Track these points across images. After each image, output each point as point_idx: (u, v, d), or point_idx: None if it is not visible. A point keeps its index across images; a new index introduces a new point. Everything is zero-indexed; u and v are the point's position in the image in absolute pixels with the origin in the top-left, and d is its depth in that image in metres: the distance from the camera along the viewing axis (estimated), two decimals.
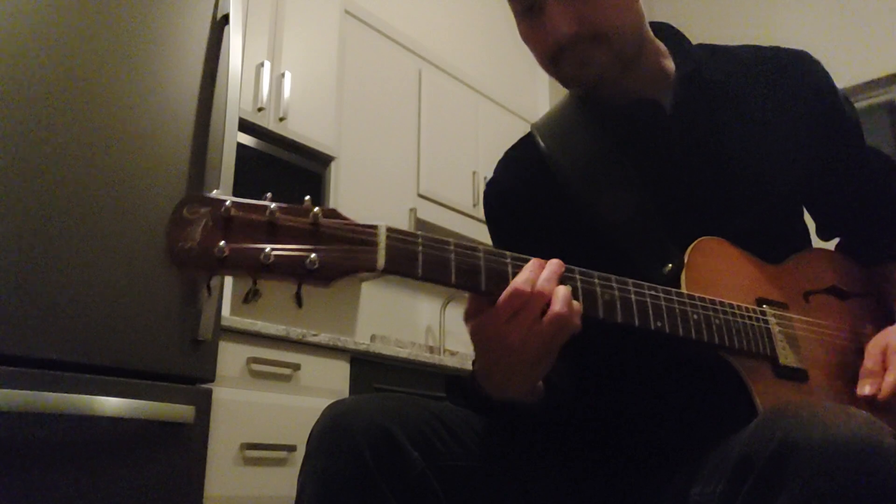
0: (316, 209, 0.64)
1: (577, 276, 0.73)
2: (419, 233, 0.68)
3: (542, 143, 0.99)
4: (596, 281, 0.74)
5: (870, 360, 0.82)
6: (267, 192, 0.65)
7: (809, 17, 3.88)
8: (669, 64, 0.94)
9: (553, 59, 0.88)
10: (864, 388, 0.80)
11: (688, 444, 0.78)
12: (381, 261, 0.65)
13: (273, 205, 0.63)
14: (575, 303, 0.71)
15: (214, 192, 0.63)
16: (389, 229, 0.66)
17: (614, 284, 0.75)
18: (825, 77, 0.98)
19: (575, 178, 0.94)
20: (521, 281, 0.69)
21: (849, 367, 0.84)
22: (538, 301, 0.69)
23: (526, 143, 1.03)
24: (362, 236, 0.65)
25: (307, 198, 0.66)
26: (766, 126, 0.93)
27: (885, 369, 0.80)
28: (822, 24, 3.81)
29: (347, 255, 0.64)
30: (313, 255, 0.62)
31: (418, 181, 3.15)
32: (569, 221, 0.94)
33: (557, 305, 0.69)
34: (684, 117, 0.92)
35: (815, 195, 1.01)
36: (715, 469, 0.69)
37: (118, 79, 1.68)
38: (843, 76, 3.71)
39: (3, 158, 1.47)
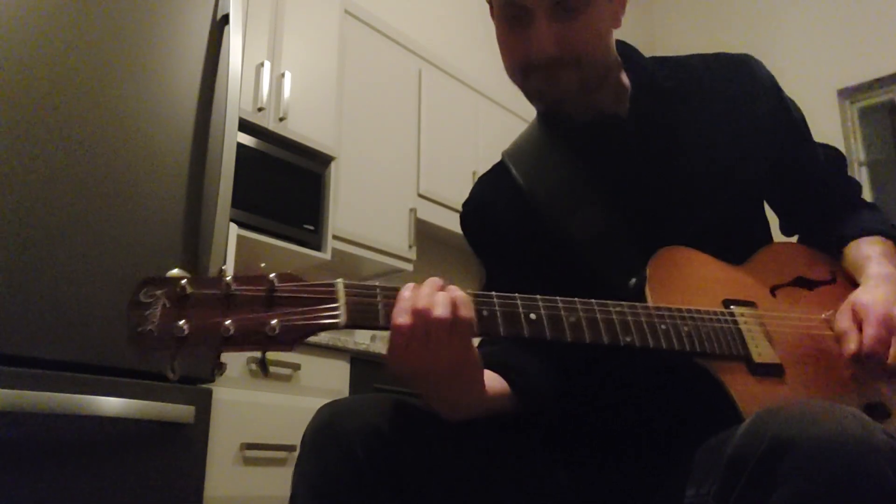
0: (272, 275, 0.65)
1: (540, 304, 0.75)
2: (376, 284, 0.70)
3: (512, 169, 1.01)
4: (560, 305, 0.76)
5: (843, 321, 0.84)
6: (224, 265, 0.66)
7: (810, 18, 3.88)
8: (625, 78, 0.97)
9: (524, 71, 0.91)
10: (849, 346, 0.81)
11: (679, 446, 0.79)
12: (343, 317, 0.66)
13: (228, 277, 0.64)
14: (462, 296, 0.70)
15: (175, 270, 0.64)
16: (347, 285, 0.68)
17: (578, 306, 0.76)
18: (769, 77, 1.02)
19: (545, 201, 0.96)
20: (397, 311, 0.68)
21: (824, 354, 0.85)
22: (421, 321, 0.68)
23: (498, 169, 1.05)
24: (321, 295, 0.66)
25: (262, 265, 0.68)
26: (720, 128, 0.96)
27: (859, 325, 0.82)
28: (822, 25, 3.81)
29: (308, 315, 0.65)
30: (273, 322, 0.63)
31: (418, 181, 3.15)
32: (542, 242, 0.96)
33: (438, 310, 0.68)
34: (642, 127, 0.94)
35: (772, 191, 1.04)
36: (708, 470, 0.69)
37: (118, 79, 1.69)
38: (843, 76, 3.72)
39: (3, 158, 1.47)
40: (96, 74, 1.65)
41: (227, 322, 0.62)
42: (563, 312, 0.75)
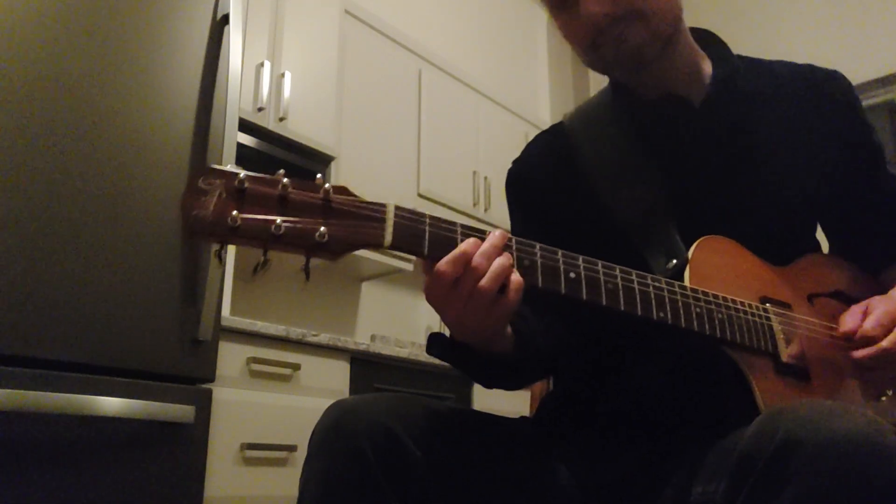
0: (327, 185, 0.66)
1: (580, 263, 0.75)
2: (426, 213, 0.70)
3: (569, 132, 1.00)
4: (600, 269, 0.75)
5: (852, 311, 0.86)
6: (280, 170, 0.67)
7: (810, 18, 3.87)
8: (706, 66, 0.96)
9: (592, 45, 0.88)
10: (846, 324, 0.82)
11: (690, 441, 0.78)
12: (388, 237, 0.67)
13: (285, 179, 0.65)
14: (515, 278, 0.71)
15: (229, 165, 0.65)
16: (398, 208, 0.68)
17: (618, 273, 0.76)
18: (854, 98, 1.00)
19: (596, 170, 0.96)
20: (455, 253, 0.70)
21: (850, 369, 0.84)
22: (471, 274, 0.70)
23: (556, 129, 1.05)
24: (371, 213, 0.67)
25: (318, 175, 0.68)
26: (792, 139, 0.94)
27: (865, 316, 0.83)
28: (822, 25, 3.81)
29: (356, 230, 0.66)
30: (322, 229, 0.64)
31: (418, 181, 3.15)
32: (583, 211, 0.96)
33: (484, 280, 0.70)
34: (712, 117, 0.93)
35: (832, 213, 1.02)
36: (717, 468, 0.69)
37: (118, 79, 1.68)
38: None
39: (2, 158, 1.47)
40: (96, 74, 1.65)
41: (279, 221, 0.63)
42: (602, 276, 0.75)
